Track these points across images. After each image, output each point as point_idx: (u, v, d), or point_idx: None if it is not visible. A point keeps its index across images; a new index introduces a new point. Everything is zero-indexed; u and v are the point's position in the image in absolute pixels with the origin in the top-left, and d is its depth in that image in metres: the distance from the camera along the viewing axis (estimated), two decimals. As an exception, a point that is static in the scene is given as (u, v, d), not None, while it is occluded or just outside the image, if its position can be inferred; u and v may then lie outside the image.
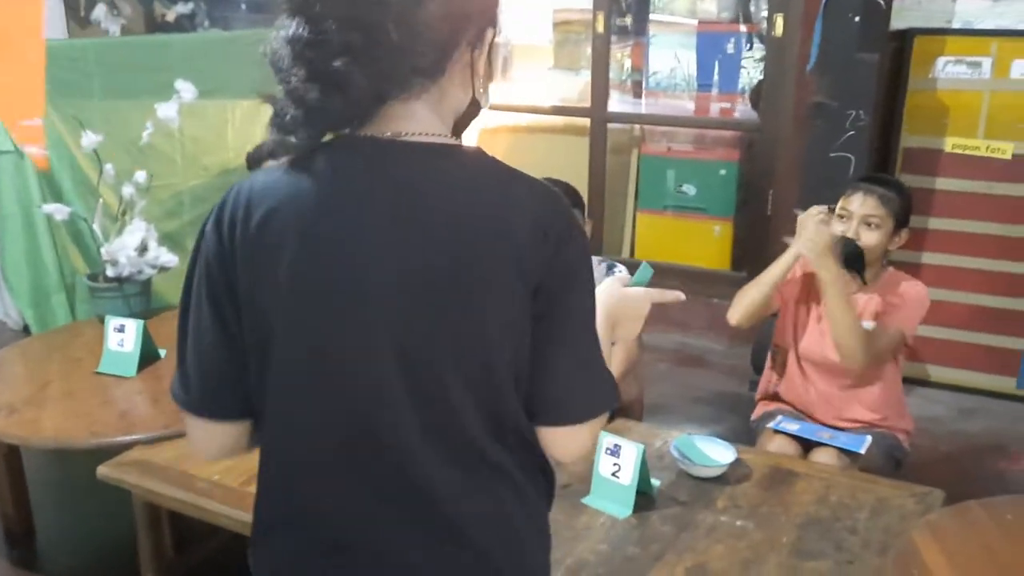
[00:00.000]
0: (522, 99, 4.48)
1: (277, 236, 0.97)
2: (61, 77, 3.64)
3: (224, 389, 1.06)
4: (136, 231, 2.82)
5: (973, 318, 3.47)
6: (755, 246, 3.83)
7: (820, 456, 2.16)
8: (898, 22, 3.32)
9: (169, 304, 3.15)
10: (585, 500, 1.94)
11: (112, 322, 2.49)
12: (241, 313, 1.02)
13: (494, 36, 1.04)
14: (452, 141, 1.03)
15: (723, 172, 4.04)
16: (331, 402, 1.00)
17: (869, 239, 2.23)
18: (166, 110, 2.96)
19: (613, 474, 1.93)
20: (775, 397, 2.50)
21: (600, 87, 4.09)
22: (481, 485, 1.03)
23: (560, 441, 1.06)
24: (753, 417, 2.53)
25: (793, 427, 2.26)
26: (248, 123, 3.84)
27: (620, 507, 1.90)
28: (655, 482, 1.99)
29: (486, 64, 1.04)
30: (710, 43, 3.98)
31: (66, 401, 2.36)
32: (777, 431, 2.26)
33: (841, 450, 2.14)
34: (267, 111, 0.99)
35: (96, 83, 3.69)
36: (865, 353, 2.19)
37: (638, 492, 1.93)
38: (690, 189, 4.12)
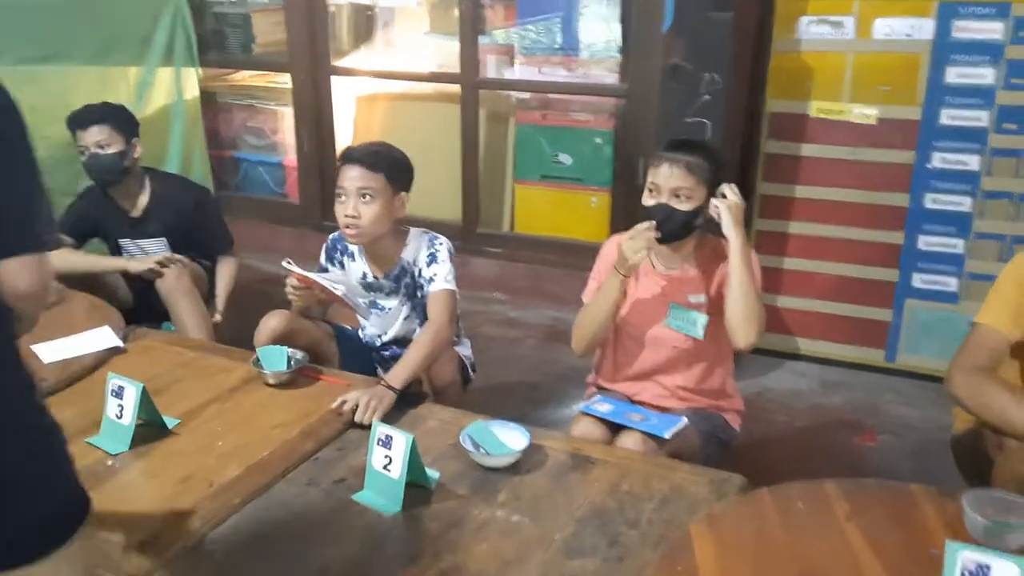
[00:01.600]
0: (399, 65, 4.28)
1: None
2: None
3: None
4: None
5: (841, 289, 3.38)
6: (631, 218, 3.68)
7: (626, 440, 2.03)
8: (761, -21, 3.18)
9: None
10: (356, 496, 1.79)
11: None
12: None
13: None
14: None
15: (598, 140, 3.88)
16: None
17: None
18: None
19: (384, 467, 1.78)
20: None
21: (469, 52, 3.90)
22: None
23: None
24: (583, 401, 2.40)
25: (604, 408, 2.13)
26: (97, 91, 3.58)
27: (389, 503, 1.75)
28: (434, 474, 1.84)
29: None
30: (581, 3, 3.80)
31: None
32: (586, 413, 2.13)
33: (647, 434, 2.01)
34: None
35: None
36: (761, 327, 2.10)
37: (414, 486, 1.79)
38: (566, 159, 3.96)
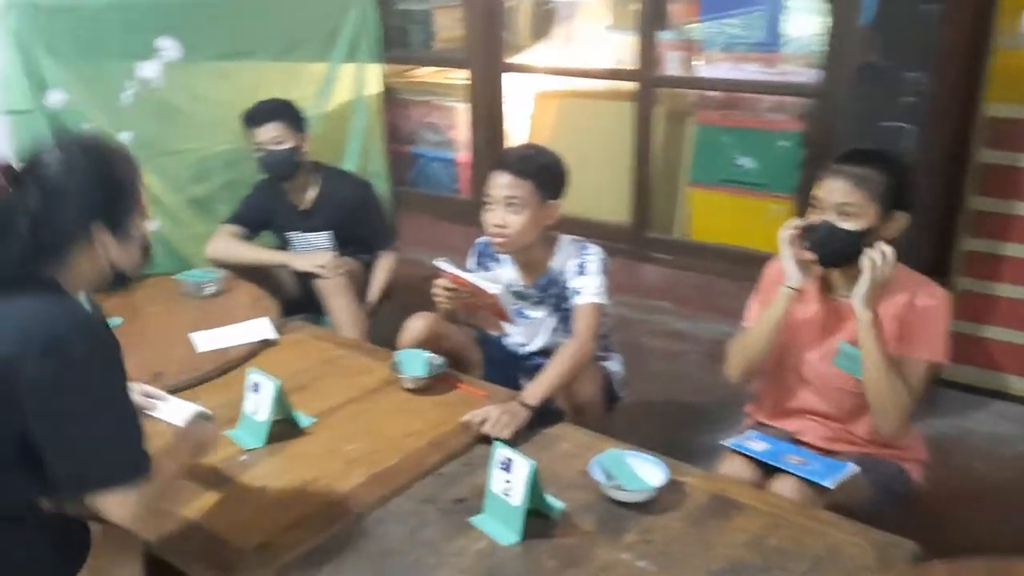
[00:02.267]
0: (576, 61, 4.15)
1: None
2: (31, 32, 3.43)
3: None
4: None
5: (1064, 322, 2.91)
6: (816, 228, 3.37)
7: (780, 486, 1.80)
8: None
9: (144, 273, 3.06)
10: (473, 519, 1.69)
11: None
12: None
13: None
14: None
15: (784, 143, 3.57)
16: None
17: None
18: (147, 69, 2.86)
19: (504, 492, 1.66)
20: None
21: (648, 47, 3.71)
22: None
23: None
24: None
25: (758, 446, 1.90)
26: (283, 87, 3.71)
27: (507, 531, 1.64)
28: (558, 504, 1.71)
29: None
30: (775, -4, 3.50)
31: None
32: (736, 450, 1.91)
33: (807, 481, 1.77)
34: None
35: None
36: (904, 417, 1.86)
37: (537, 515, 1.67)
38: (748, 162, 3.68)
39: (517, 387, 2.20)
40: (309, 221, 3.15)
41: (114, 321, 2.49)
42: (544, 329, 2.40)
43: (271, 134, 3.00)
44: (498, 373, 2.38)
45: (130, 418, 1.39)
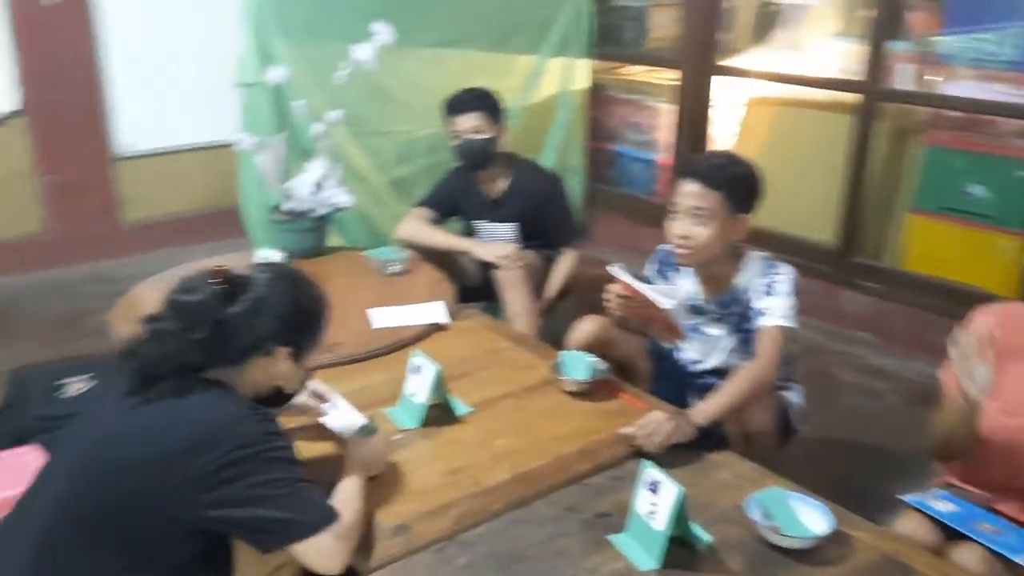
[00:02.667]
0: (795, 68, 3.90)
1: None
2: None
3: None
4: (316, 168, 2.88)
5: None
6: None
7: (964, 555, 1.58)
8: None
9: (338, 246, 3.19)
10: (613, 537, 1.61)
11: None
12: None
13: None
14: None
15: (1022, 173, 3.19)
16: None
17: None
18: (361, 52, 2.97)
19: (649, 515, 1.57)
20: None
21: (877, 57, 3.41)
22: None
23: None
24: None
25: (944, 507, 1.68)
26: (492, 76, 3.76)
27: (647, 556, 1.54)
28: (705, 536, 1.59)
29: None
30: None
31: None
32: (918, 509, 1.70)
33: (996, 554, 1.55)
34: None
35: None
36: None
37: (682, 544, 1.56)
38: (979, 191, 3.31)
39: (684, 405, 2.09)
40: (497, 211, 3.17)
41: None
42: (721, 348, 2.26)
43: (470, 124, 3.04)
44: (666, 388, 2.27)
45: (305, 483, 1.46)
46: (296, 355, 1.54)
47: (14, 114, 3.82)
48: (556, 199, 3.18)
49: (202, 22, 4.15)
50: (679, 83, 4.11)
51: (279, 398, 1.62)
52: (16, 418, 2.42)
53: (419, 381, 1.99)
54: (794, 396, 2.27)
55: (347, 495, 1.58)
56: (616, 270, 2.13)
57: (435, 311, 2.51)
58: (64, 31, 3.92)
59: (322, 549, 1.43)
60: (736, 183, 2.07)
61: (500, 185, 3.16)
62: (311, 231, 2.88)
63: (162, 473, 1.34)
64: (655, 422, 1.87)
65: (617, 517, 1.65)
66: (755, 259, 2.18)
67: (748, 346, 2.16)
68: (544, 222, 3.14)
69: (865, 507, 1.76)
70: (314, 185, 2.87)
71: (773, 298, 2.09)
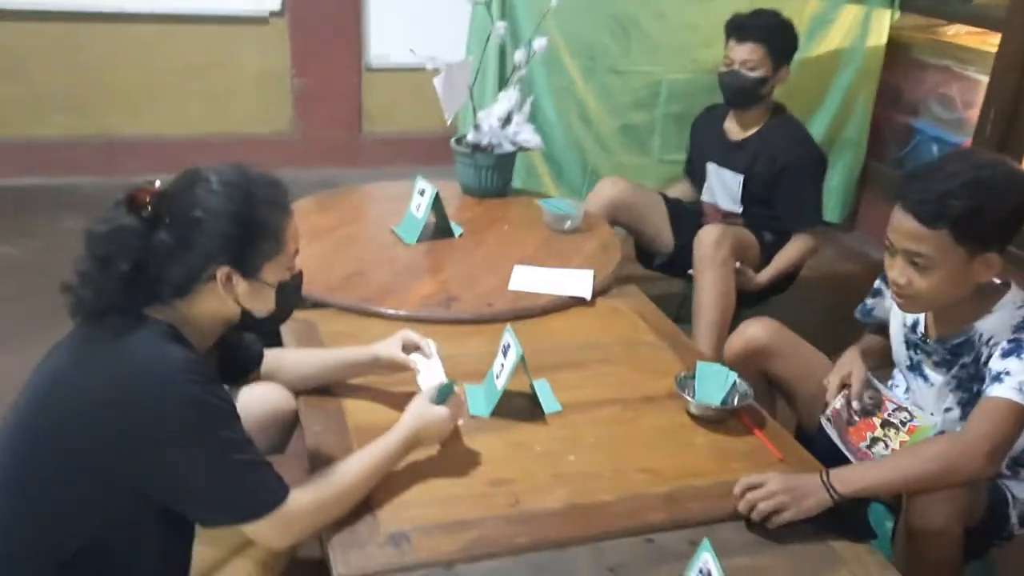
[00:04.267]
0: None
1: None
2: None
3: None
4: (506, 100, 2.59)
5: None
6: None
7: None
8: None
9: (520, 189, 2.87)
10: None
11: (418, 184, 2.35)
12: None
13: None
14: None
15: None
16: None
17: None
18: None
19: (690, 617, 1.14)
20: None
21: None
22: None
23: None
24: None
25: None
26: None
27: (669, 671, 1.13)
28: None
29: None
30: None
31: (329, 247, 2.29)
32: None
33: None
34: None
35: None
36: None
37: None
38: None
39: (839, 462, 1.58)
40: (731, 155, 2.67)
41: (456, 229, 2.37)
42: (937, 401, 1.69)
43: (746, 55, 2.54)
44: (827, 437, 1.74)
45: (245, 458, 1.25)
46: (245, 272, 1.28)
47: (276, 14, 3.93)
48: (803, 173, 2.58)
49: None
50: (999, 51, 3.25)
51: (259, 323, 1.37)
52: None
53: (503, 363, 1.66)
54: (1020, 489, 1.64)
55: (364, 460, 1.36)
56: None
57: (579, 282, 2.14)
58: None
59: (258, 534, 1.26)
60: (972, 217, 1.45)
61: (747, 131, 2.65)
62: (491, 168, 2.60)
63: (79, 425, 1.18)
64: (769, 489, 1.40)
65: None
66: (1012, 303, 1.57)
67: (966, 410, 1.59)
68: (776, 192, 2.59)
69: None
70: (501, 118, 2.57)
71: (1016, 362, 1.47)
